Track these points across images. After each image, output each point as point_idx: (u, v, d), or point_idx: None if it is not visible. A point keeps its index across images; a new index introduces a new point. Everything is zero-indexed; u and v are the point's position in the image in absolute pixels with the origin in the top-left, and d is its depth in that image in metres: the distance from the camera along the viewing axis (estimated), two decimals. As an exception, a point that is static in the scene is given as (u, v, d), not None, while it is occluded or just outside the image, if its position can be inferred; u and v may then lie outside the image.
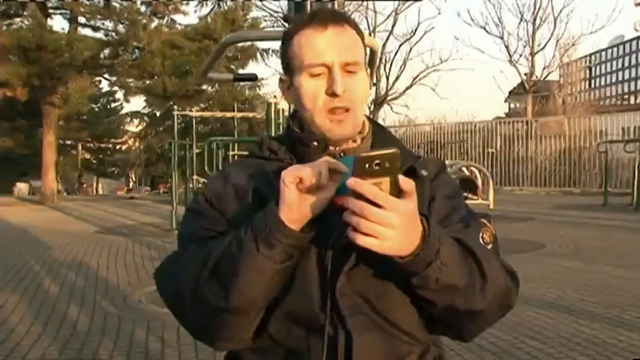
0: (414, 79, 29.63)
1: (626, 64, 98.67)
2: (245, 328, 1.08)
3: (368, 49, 1.24)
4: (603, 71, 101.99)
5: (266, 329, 1.09)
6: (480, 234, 1.15)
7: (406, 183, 0.92)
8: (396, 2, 27.14)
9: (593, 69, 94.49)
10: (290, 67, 1.15)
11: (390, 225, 0.90)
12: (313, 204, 0.99)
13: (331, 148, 1.14)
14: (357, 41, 1.14)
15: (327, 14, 1.13)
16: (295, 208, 0.98)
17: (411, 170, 1.13)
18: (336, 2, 2.51)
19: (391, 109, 30.82)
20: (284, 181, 0.98)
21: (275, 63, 26.97)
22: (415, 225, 0.94)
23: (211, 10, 22.93)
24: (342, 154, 1.13)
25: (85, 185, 43.97)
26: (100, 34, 20.94)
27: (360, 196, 0.89)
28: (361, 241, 0.90)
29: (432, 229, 0.97)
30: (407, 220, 0.92)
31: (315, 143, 1.13)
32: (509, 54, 30.09)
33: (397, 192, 0.91)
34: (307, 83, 1.12)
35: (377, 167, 0.89)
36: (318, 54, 1.10)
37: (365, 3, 27.34)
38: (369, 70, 1.20)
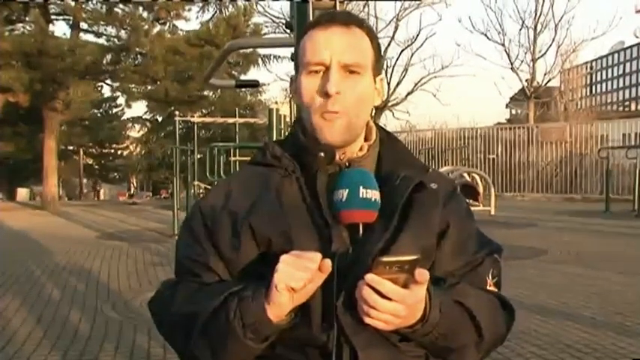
0: (416, 84, 29.71)
1: (627, 70, 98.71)
2: None
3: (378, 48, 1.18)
4: (604, 77, 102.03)
5: (272, 351, 1.08)
6: (490, 271, 1.17)
7: (421, 275, 0.94)
8: (397, 8, 27.25)
9: (594, 75, 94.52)
10: (296, 66, 1.15)
11: (398, 315, 0.95)
12: (301, 296, 0.98)
13: (337, 157, 1.12)
14: (363, 44, 1.11)
15: (337, 15, 1.13)
16: (285, 308, 0.98)
17: (420, 185, 1.12)
18: (337, 5, 2.51)
19: (392, 114, 30.88)
20: (276, 286, 0.96)
21: (277, 69, 27.03)
22: (420, 307, 0.98)
23: (213, 15, 22.98)
24: (347, 165, 1.12)
25: (99, 191, 44.07)
26: (102, 40, 21.01)
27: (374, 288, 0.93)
28: (368, 321, 0.96)
29: (434, 305, 1.00)
30: (414, 307, 0.96)
31: (322, 154, 1.09)
32: (510, 60, 30.15)
33: (411, 280, 0.94)
34: (306, 81, 1.10)
35: (396, 269, 0.92)
36: (317, 51, 1.08)
37: (366, 9, 27.41)
38: (381, 77, 1.17)
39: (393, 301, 0.93)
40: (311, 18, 2.44)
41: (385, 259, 0.91)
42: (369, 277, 0.92)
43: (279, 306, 0.97)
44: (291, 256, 0.97)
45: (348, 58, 1.08)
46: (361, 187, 1.04)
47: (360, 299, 0.95)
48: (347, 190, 1.04)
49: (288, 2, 2.84)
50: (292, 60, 1.20)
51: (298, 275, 0.95)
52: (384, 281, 0.92)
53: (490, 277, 1.16)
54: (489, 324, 1.10)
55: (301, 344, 1.06)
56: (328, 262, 0.96)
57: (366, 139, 1.17)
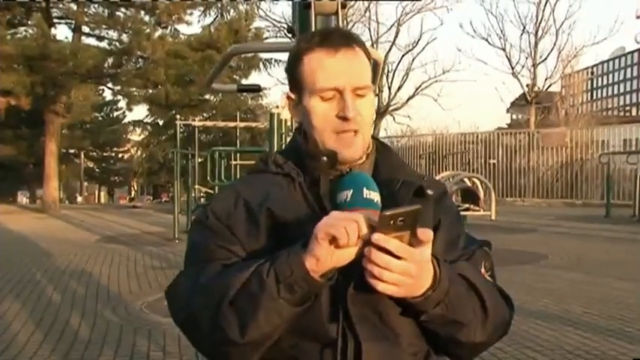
0: (417, 89, 29.70)
1: (628, 75, 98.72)
2: (257, 355, 1.09)
3: (372, 61, 1.22)
4: (605, 83, 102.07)
5: (276, 341, 1.08)
6: (482, 262, 1.19)
7: (424, 234, 0.96)
8: (399, 13, 27.29)
9: (595, 80, 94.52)
10: (299, 86, 1.17)
11: (410, 275, 0.96)
12: (341, 257, 0.98)
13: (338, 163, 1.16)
14: (366, 64, 1.17)
15: (338, 37, 1.15)
16: (323, 262, 0.98)
17: (419, 190, 1.16)
18: (339, 10, 2.51)
19: (394, 119, 30.88)
20: (316, 236, 0.97)
21: (278, 73, 27.07)
22: (429, 269, 1.00)
23: (214, 20, 23.06)
24: (348, 170, 1.16)
25: (113, 195, 44.19)
26: (103, 44, 21.11)
27: (382, 249, 0.94)
28: (382, 287, 0.96)
29: (443, 271, 1.02)
30: (423, 267, 0.98)
31: (325, 159, 1.14)
32: (511, 65, 30.10)
33: (415, 241, 0.96)
34: (319, 106, 1.14)
35: (400, 223, 0.94)
36: (331, 78, 1.13)
37: (367, 14, 27.46)
38: (373, 86, 1.22)
39: (403, 259, 0.95)
40: (313, 22, 2.44)
41: (389, 212, 0.93)
42: (376, 236, 0.94)
43: (318, 260, 0.98)
44: (337, 212, 1.00)
45: (359, 82, 1.14)
46: (364, 188, 1.07)
47: (370, 264, 0.95)
48: (351, 191, 1.07)
49: (290, 6, 2.85)
50: (287, 72, 1.21)
51: (340, 223, 0.96)
52: (391, 239, 0.94)
53: (483, 268, 1.18)
54: (492, 301, 1.12)
55: (307, 337, 1.07)
56: (375, 219, 0.96)
57: None
